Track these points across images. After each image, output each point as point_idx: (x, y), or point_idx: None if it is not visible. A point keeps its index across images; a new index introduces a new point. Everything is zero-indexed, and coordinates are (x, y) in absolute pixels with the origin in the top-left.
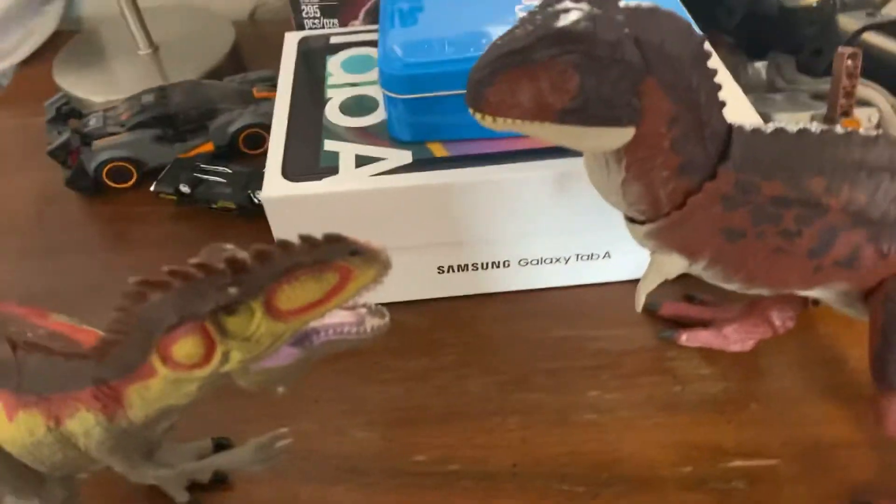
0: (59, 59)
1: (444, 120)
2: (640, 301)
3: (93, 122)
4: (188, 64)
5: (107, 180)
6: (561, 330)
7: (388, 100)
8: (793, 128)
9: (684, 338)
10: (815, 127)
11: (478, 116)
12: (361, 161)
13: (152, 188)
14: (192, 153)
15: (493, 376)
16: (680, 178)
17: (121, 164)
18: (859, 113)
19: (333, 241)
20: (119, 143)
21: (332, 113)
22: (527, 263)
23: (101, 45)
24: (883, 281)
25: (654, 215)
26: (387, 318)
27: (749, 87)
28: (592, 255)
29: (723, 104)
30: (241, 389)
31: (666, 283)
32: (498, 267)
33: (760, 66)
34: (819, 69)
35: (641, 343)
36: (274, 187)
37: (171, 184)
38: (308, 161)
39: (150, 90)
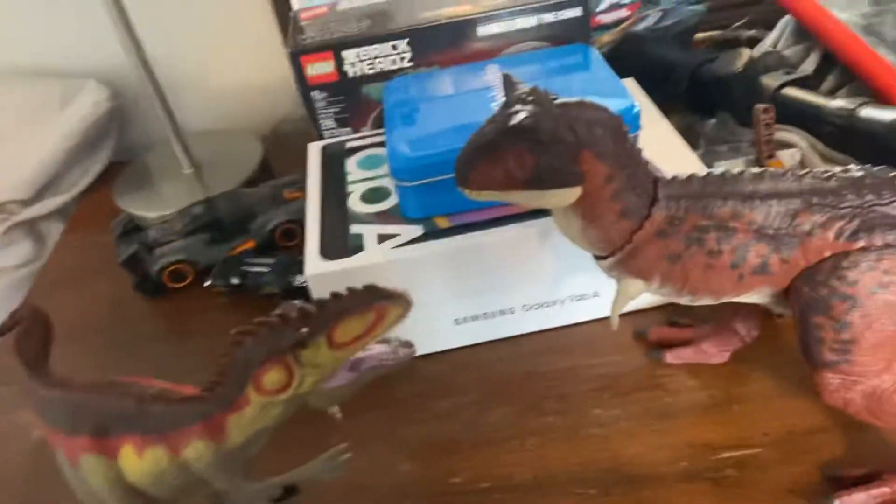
0: (116, 185)
1: (445, 198)
2: (615, 320)
3: (152, 234)
4: (225, 177)
5: (167, 282)
6: (564, 362)
7: (399, 187)
8: (701, 173)
9: (669, 356)
10: (718, 170)
11: (465, 192)
12: (382, 238)
13: (206, 283)
14: (238, 251)
15: (509, 407)
16: (623, 220)
17: (178, 266)
18: (784, 154)
19: (369, 289)
20: (175, 249)
21: (355, 203)
22: (529, 308)
23: (150, 169)
24: (792, 281)
25: (612, 251)
26: (414, 348)
27: (705, 142)
28: (583, 295)
29: (647, 162)
30: (302, 440)
31: (651, 313)
32: (505, 314)
33: (711, 122)
34: (751, 122)
35: (634, 365)
36: (314, 266)
37: (223, 278)
38: (339, 243)
39: (199, 202)
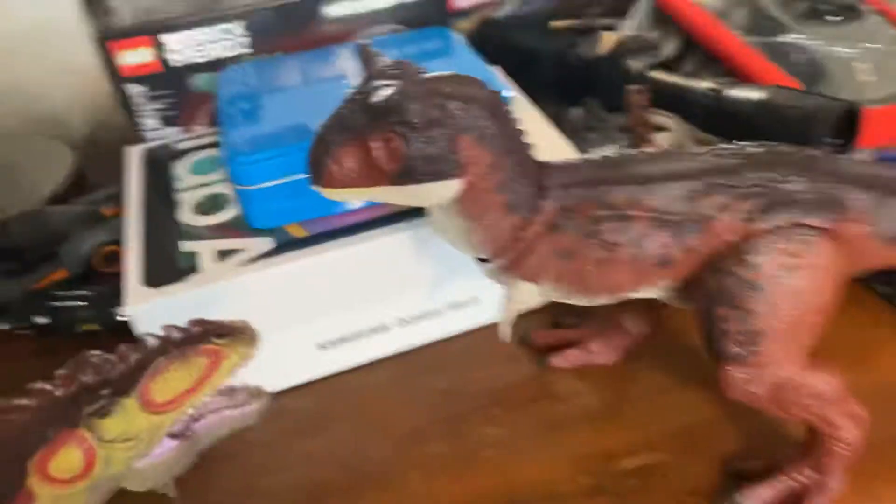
0: None
1: (297, 203)
2: (506, 332)
3: None
4: (25, 194)
5: None
6: (447, 380)
7: (241, 193)
8: (595, 156)
9: (555, 360)
10: (614, 152)
11: (322, 191)
12: (223, 255)
13: (1, 325)
14: (44, 283)
15: (389, 439)
16: (510, 215)
17: None
18: (659, 138)
19: (196, 326)
20: None
21: (186, 215)
22: (405, 323)
23: None
24: (695, 271)
25: (499, 252)
26: (266, 399)
27: (571, 131)
28: (461, 302)
29: (530, 145)
30: None
31: (533, 314)
32: (377, 332)
33: (577, 111)
34: (619, 106)
35: (523, 374)
36: (135, 297)
37: (23, 318)
38: (167, 265)
39: None
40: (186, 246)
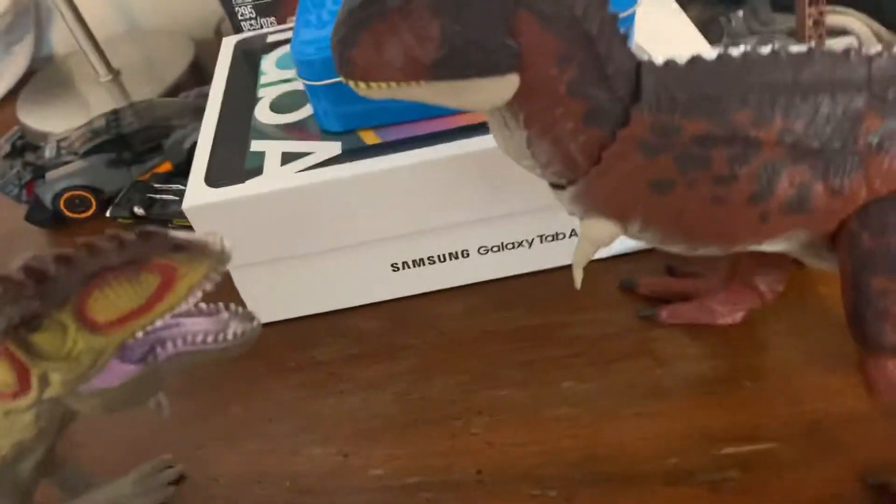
0: (22, 95)
1: (372, 104)
2: (578, 277)
3: (47, 154)
4: (149, 84)
5: (65, 211)
6: (530, 319)
7: (309, 89)
8: (710, 55)
9: (665, 314)
10: (738, 51)
11: (351, 84)
12: (288, 158)
13: (108, 214)
14: (150, 173)
15: (455, 376)
16: (588, 127)
17: (77, 192)
18: (834, 43)
19: (147, 237)
20: (72, 172)
21: (262, 112)
22: (487, 251)
23: (63, 77)
24: (843, 223)
25: (573, 176)
26: (256, 322)
27: (731, 37)
28: (557, 234)
29: (624, 37)
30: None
31: (644, 257)
32: (457, 258)
33: (739, 14)
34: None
35: (620, 325)
36: (195, 196)
37: (125, 207)
38: (233, 165)
39: (102, 115)
40: (256, 146)
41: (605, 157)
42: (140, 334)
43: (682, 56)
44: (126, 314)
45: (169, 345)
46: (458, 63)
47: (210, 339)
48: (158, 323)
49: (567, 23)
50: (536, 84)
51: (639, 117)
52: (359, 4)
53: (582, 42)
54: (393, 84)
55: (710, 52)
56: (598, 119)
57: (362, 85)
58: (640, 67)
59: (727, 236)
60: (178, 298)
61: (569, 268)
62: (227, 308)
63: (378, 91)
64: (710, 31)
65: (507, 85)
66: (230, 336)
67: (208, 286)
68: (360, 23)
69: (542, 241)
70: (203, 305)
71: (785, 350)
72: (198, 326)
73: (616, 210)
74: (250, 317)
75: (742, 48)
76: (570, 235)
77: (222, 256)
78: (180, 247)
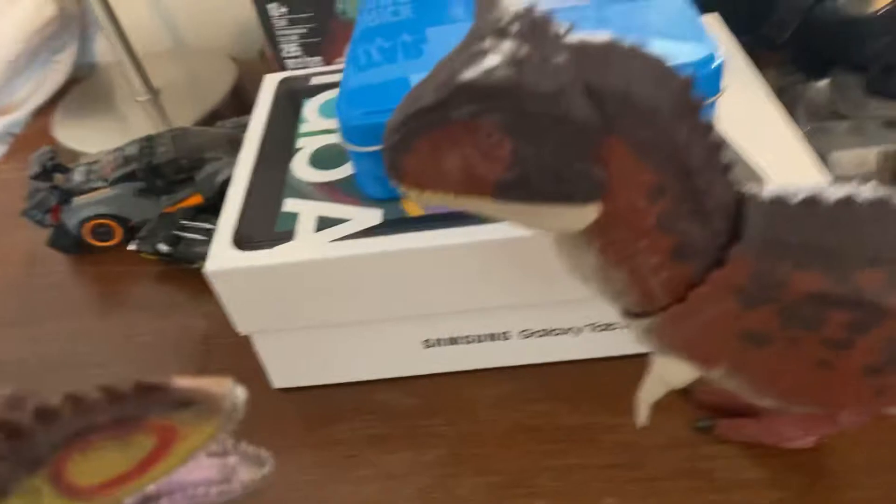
0: (60, 108)
1: None
2: (643, 414)
3: (76, 178)
4: (188, 107)
5: (89, 239)
6: (571, 416)
7: (351, 153)
8: (833, 195)
9: (724, 429)
10: (867, 193)
11: (401, 188)
12: (323, 224)
13: (131, 247)
14: (179, 206)
15: (486, 476)
16: (676, 264)
17: (102, 221)
18: None
19: (145, 393)
20: (99, 200)
21: (299, 166)
22: (530, 335)
23: (103, 91)
24: None
25: (649, 309)
26: (267, 468)
27: (809, 114)
28: (610, 324)
29: (728, 166)
30: None
31: None
32: (495, 339)
33: (822, 86)
34: (892, 90)
35: (671, 435)
36: (220, 258)
37: (149, 242)
38: (264, 225)
39: (136, 140)
40: (289, 205)
41: (692, 298)
42: (129, 500)
43: (794, 190)
44: (112, 479)
45: (164, 500)
46: (528, 187)
47: (214, 491)
48: (151, 487)
49: (666, 153)
50: (621, 214)
51: (739, 261)
52: (414, 112)
53: (680, 175)
54: (450, 196)
55: (831, 190)
56: (688, 256)
57: (414, 192)
58: (743, 201)
59: (829, 403)
60: (177, 462)
61: (620, 360)
62: (234, 447)
63: (432, 200)
64: (782, 99)
65: (584, 214)
66: (237, 487)
67: (214, 447)
68: (416, 129)
69: (592, 330)
70: None
71: (864, 488)
72: (199, 474)
73: (697, 355)
74: (261, 460)
75: (875, 190)
76: (622, 325)
77: (233, 414)
78: (185, 404)
